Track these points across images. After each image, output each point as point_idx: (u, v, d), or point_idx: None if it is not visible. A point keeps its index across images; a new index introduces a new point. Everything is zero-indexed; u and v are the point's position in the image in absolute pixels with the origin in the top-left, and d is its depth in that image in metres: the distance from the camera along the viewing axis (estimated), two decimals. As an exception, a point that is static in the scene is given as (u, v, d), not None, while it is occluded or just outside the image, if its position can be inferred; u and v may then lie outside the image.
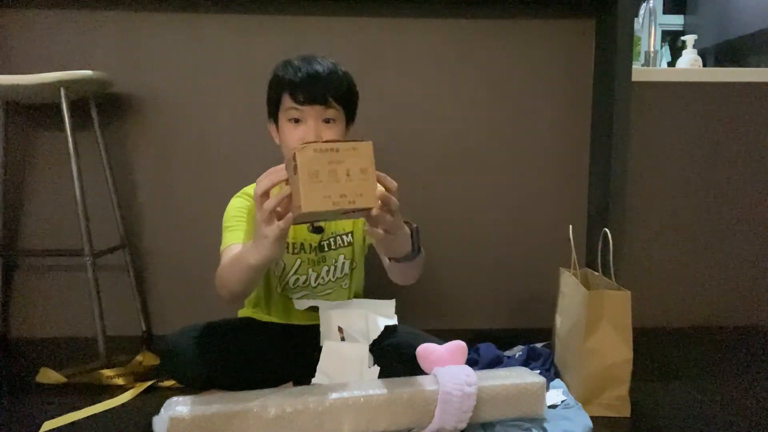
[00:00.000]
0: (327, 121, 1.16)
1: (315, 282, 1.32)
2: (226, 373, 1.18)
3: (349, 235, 1.35)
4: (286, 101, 1.16)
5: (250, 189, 1.24)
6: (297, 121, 1.15)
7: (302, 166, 0.76)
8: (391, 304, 1.32)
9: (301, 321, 1.32)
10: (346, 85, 1.19)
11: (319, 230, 1.32)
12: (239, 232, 1.20)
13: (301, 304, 1.31)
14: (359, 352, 1.17)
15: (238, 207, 1.25)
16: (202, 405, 0.89)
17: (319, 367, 1.14)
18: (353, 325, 1.25)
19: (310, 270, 1.30)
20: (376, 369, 1.14)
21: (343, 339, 1.24)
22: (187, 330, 1.21)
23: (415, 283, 1.38)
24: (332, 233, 1.34)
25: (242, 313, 1.42)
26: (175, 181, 1.70)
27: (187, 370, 1.18)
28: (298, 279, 1.31)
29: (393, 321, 1.27)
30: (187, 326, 1.23)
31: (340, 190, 0.77)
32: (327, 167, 0.77)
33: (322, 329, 1.25)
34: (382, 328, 1.23)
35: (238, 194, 1.29)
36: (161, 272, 1.73)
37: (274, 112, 1.22)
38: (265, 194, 0.88)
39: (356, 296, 1.42)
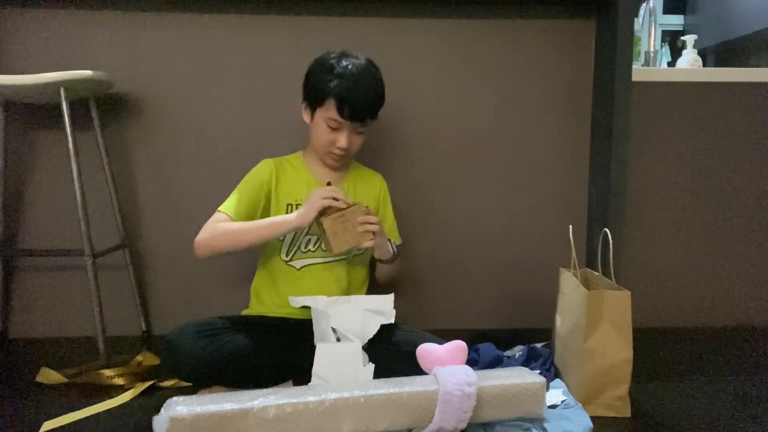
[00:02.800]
0: (358, 131, 1.36)
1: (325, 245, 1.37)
2: (225, 367, 1.19)
3: (366, 208, 1.40)
4: (330, 110, 1.30)
5: (271, 160, 1.44)
6: (334, 126, 1.33)
7: (328, 230, 1.24)
8: (389, 298, 1.33)
9: (302, 313, 1.33)
10: (381, 104, 1.37)
11: None
12: (238, 203, 1.35)
13: (296, 302, 1.32)
14: (353, 351, 1.17)
15: (255, 173, 1.41)
16: (202, 405, 0.88)
17: (314, 371, 1.14)
18: (347, 326, 1.25)
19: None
20: (371, 367, 1.15)
21: (338, 339, 1.24)
22: (187, 326, 1.22)
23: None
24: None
25: (246, 313, 1.43)
26: (175, 181, 1.70)
27: (187, 365, 1.19)
28: (309, 240, 1.38)
29: (390, 318, 1.28)
30: (187, 322, 1.24)
31: (348, 237, 1.26)
32: (341, 226, 1.25)
33: (315, 330, 1.26)
34: (377, 327, 1.23)
35: (268, 160, 1.43)
36: (161, 272, 1.73)
37: (312, 105, 1.35)
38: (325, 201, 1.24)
39: (360, 272, 1.46)
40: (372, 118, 1.35)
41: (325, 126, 1.33)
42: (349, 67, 1.29)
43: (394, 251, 1.41)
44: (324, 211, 1.26)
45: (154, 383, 1.28)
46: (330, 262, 1.40)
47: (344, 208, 1.25)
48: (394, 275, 1.53)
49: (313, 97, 1.34)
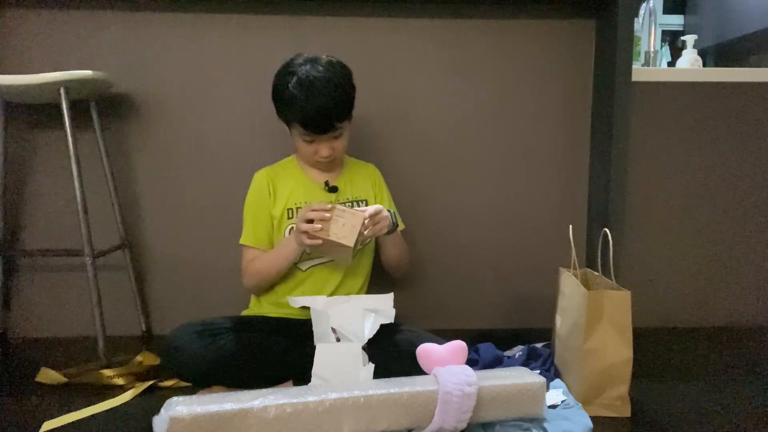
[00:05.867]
0: (335, 137, 1.33)
1: None
2: (225, 368, 1.19)
3: (364, 202, 1.44)
4: (299, 129, 1.30)
5: (264, 171, 1.45)
6: (309, 140, 1.33)
7: (333, 237, 1.24)
8: (389, 297, 1.33)
9: (302, 314, 1.33)
10: (347, 105, 1.33)
11: (333, 189, 1.42)
12: (251, 231, 1.40)
13: (296, 302, 1.32)
14: (353, 351, 1.17)
15: (254, 193, 1.42)
16: (201, 405, 0.88)
17: (313, 372, 1.14)
18: (347, 326, 1.25)
19: None
20: (371, 367, 1.15)
21: (338, 339, 1.24)
22: (187, 326, 1.22)
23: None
24: (347, 199, 1.42)
25: (246, 314, 1.43)
26: (175, 181, 1.70)
27: (187, 365, 1.19)
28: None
29: (390, 318, 1.28)
30: (188, 322, 1.24)
31: (338, 230, 1.23)
32: (339, 219, 1.24)
33: (315, 331, 1.26)
34: (377, 327, 1.23)
35: (261, 171, 1.44)
36: (161, 272, 1.73)
37: (286, 123, 1.36)
38: (310, 221, 1.23)
39: (361, 271, 1.46)
40: (342, 121, 1.32)
41: (303, 142, 1.34)
42: (303, 83, 1.25)
43: (393, 221, 1.38)
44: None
45: (154, 383, 1.27)
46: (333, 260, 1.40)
47: (329, 217, 1.25)
48: (402, 257, 1.50)
49: (282, 119, 1.35)
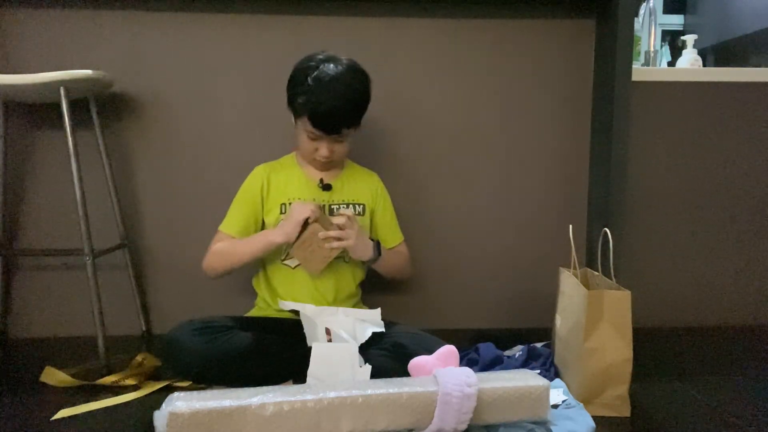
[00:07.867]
0: (338, 140, 1.33)
1: None
2: (224, 365, 1.20)
3: (361, 206, 1.44)
4: (306, 123, 1.29)
5: (262, 167, 1.46)
6: (313, 138, 1.32)
7: (299, 258, 1.33)
8: (377, 313, 1.33)
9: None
10: (360, 112, 1.32)
11: (327, 187, 1.42)
12: (234, 220, 1.41)
13: (285, 305, 1.32)
14: (348, 351, 1.17)
15: (246, 188, 1.43)
16: (200, 401, 0.88)
17: (309, 372, 1.14)
18: (341, 326, 1.25)
19: None
20: (368, 368, 1.14)
21: (330, 341, 1.24)
22: (187, 323, 1.22)
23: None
24: (342, 201, 1.42)
25: (253, 314, 1.43)
26: (175, 181, 1.70)
27: (186, 362, 1.19)
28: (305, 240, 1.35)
29: (381, 328, 1.28)
30: (188, 320, 1.24)
31: (319, 256, 1.31)
32: (308, 250, 1.30)
33: (306, 333, 1.25)
34: (369, 334, 1.23)
35: (261, 166, 1.45)
36: (161, 272, 1.73)
37: (293, 114, 1.35)
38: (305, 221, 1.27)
39: (357, 273, 1.46)
40: (350, 128, 1.31)
41: (307, 137, 1.33)
42: (323, 79, 1.24)
43: (377, 252, 1.38)
44: (306, 225, 1.28)
45: (169, 385, 1.26)
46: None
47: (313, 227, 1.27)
48: (396, 272, 1.52)
49: (291, 109, 1.34)
